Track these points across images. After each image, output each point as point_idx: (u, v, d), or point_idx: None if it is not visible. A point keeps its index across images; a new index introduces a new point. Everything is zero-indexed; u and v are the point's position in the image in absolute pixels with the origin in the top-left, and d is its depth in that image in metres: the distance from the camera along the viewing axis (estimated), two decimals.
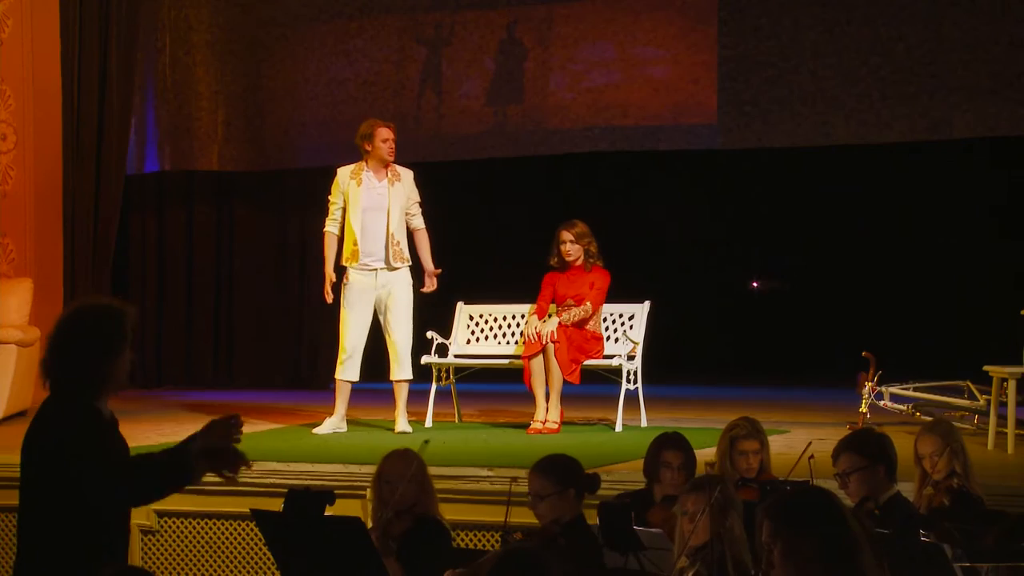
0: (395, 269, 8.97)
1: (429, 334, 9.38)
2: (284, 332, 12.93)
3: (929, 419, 7.48)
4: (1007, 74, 10.04)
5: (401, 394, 9.02)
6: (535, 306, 9.29)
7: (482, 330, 9.65)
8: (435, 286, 9.17)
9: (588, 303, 9.04)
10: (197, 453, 4.01)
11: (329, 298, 9.04)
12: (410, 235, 9.13)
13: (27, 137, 10.93)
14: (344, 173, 9.03)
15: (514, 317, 9.59)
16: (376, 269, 8.96)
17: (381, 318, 9.03)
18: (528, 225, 12.12)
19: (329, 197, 9.07)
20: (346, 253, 8.97)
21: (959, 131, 10.25)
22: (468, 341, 9.64)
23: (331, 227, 9.03)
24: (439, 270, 9.18)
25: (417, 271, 9.16)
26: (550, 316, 9.09)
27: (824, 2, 10.50)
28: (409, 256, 9.07)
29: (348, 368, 9.01)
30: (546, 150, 11.42)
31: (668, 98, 11.01)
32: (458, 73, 11.56)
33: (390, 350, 9.03)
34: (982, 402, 8.71)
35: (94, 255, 11.36)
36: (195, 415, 10.23)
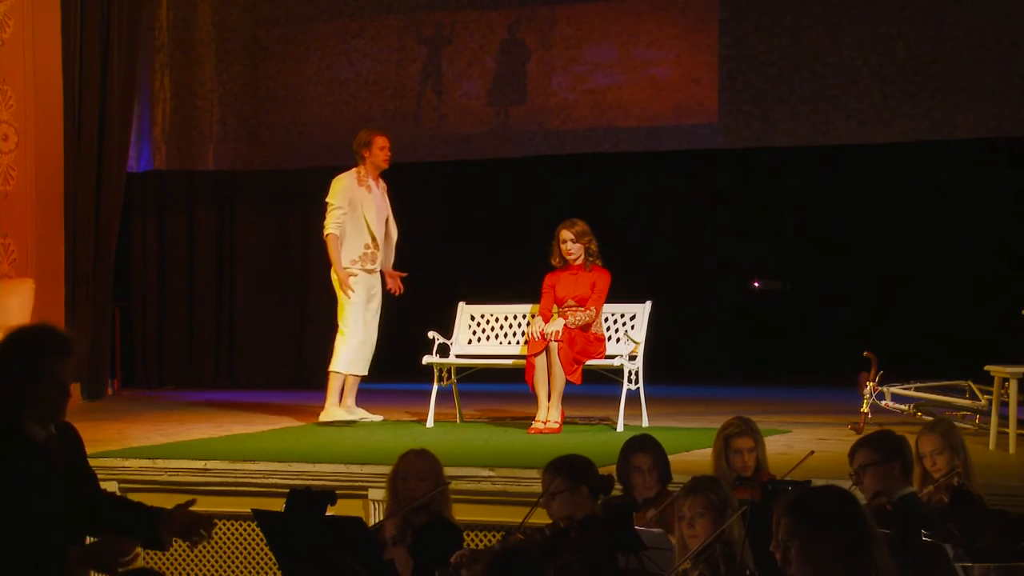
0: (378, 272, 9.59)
1: (431, 334, 9.40)
2: (285, 332, 12.92)
3: (930, 419, 7.47)
4: (1009, 74, 10.03)
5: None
6: (538, 307, 9.29)
7: (483, 330, 9.66)
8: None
9: (592, 308, 9.05)
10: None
11: (350, 294, 9.36)
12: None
13: (28, 137, 10.94)
14: (350, 179, 9.46)
15: (515, 317, 9.59)
16: (375, 271, 9.50)
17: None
18: (529, 225, 12.13)
19: (330, 200, 9.41)
20: (353, 255, 9.35)
21: (961, 131, 10.24)
22: (469, 341, 9.64)
23: (336, 230, 9.35)
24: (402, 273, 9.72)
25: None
26: (555, 318, 9.08)
27: (825, 1, 10.49)
28: None
29: (360, 361, 9.39)
30: (548, 150, 11.42)
31: (670, 99, 11.01)
32: (459, 73, 11.55)
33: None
34: (983, 402, 8.70)
35: (95, 255, 11.36)
36: (196, 415, 10.23)
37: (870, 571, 3.45)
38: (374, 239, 9.41)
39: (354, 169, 9.51)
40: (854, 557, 3.46)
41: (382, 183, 9.59)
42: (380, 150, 9.48)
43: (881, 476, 5.27)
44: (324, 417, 9.37)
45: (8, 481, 3.98)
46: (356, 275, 9.35)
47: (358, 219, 9.38)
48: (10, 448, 4.02)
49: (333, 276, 9.46)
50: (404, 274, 9.67)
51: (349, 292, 9.31)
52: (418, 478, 5.46)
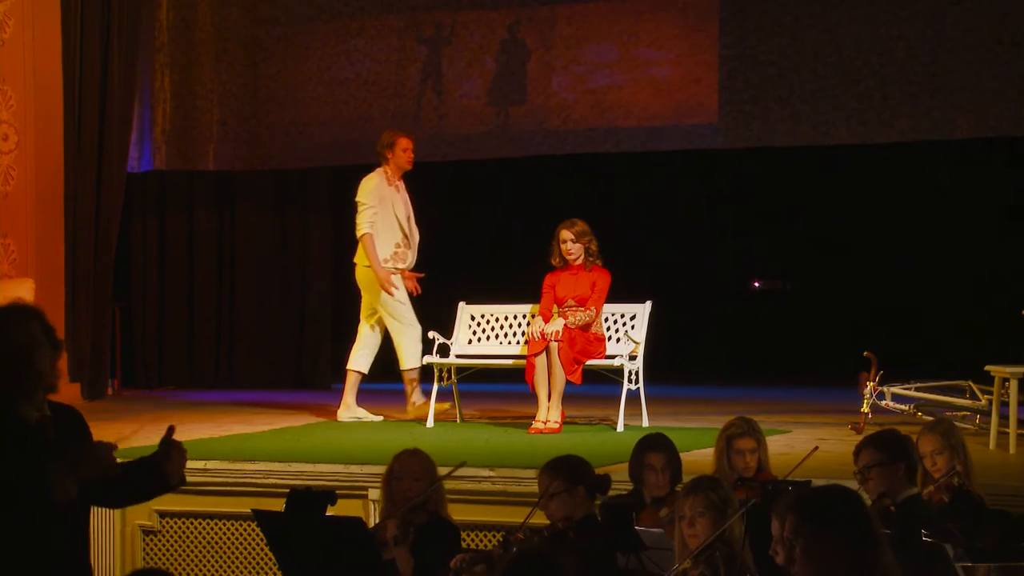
0: None
1: (431, 334, 9.41)
2: (285, 332, 12.93)
3: (930, 419, 7.48)
4: (1009, 74, 10.02)
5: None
6: (538, 307, 9.29)
7: (483, 330, 9.66)
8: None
9: (592, 308, 9.06)
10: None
11: (393, 291, 9.47)
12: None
13: (28, 137, 10.94)
14: (380, 179, 9.56)
15: (515, 317, 9.59)
16: (404, 270, 9.58)
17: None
18: (529, 225, 12.12)
19: (362, 200, 9.49)
20: (385, 254, 9.46)
21: (961, 131, 10.23)
22: (469, 341, 9.64)
23: (371, 228, 9.45)
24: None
25: None
26: (555, 318, 9.09)
27: (825, 1, 10.49)
28: None
29: (418, 355, 9.51)
30: (548, 151, 11.42)
31: (670, 99, 11.01)
32: (459, 73, 11.55)
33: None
34: (984, 402, 8.70)
35: (95, 255, 11.36)
36: (196, 415, 10.22)
37: (874, 571, 3.45)
38: (405, 238, 9.52)
39: (380, 169, 9.61)
40: (858, 556, 3.47)
41: (403, 183, 9.68)
42: (403, 151, 9.57)
43: (885, 477, 5.26)
44: (416, 413, 9.47)
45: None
46: (396, 272, 9.45)
47: (389, 218, 9.46)
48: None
49: (360, 274, 9.51)
50: (422, 275, 9.67)
51: (393, 289, 9.37)
52: (413, 478, 5.48)
